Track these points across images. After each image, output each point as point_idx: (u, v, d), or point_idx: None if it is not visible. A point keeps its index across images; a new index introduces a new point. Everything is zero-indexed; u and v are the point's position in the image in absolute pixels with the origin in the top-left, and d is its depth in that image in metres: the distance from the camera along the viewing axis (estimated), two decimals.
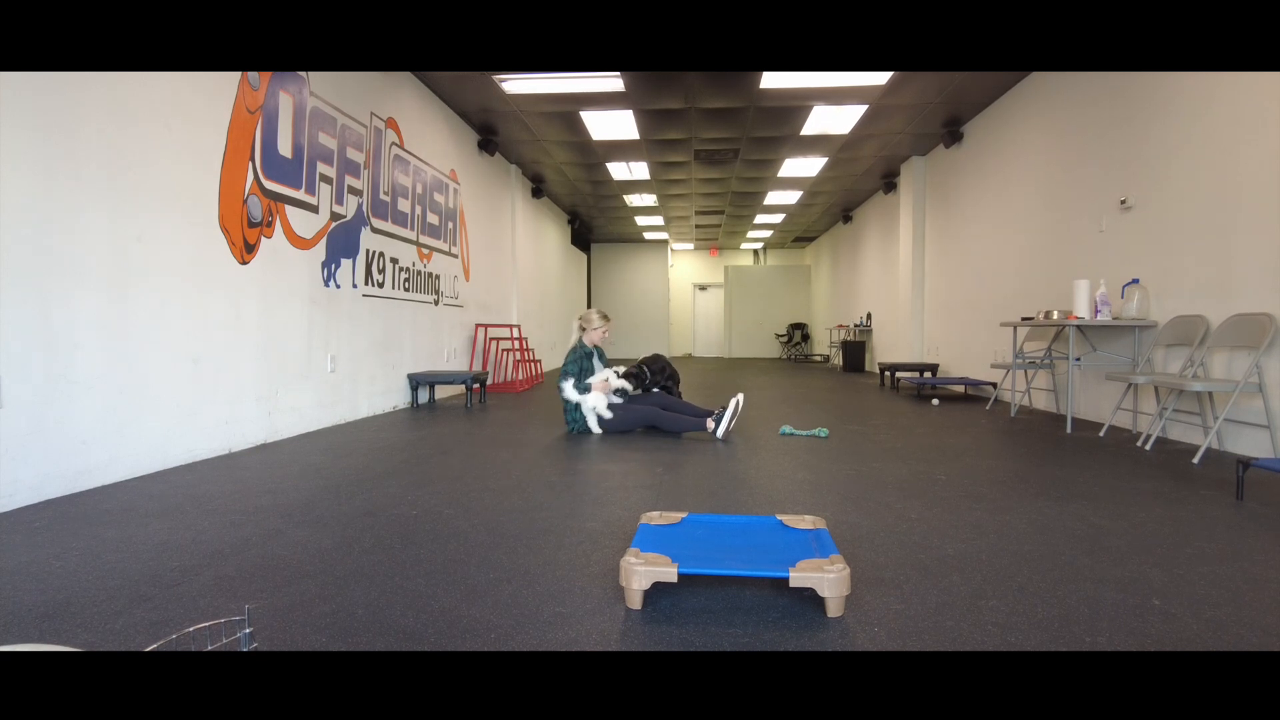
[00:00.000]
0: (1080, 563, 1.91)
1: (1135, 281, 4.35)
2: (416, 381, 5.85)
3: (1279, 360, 3.36)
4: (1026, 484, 2.87)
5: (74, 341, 2.72)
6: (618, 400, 4.34)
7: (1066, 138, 5.29)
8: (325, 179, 4.57)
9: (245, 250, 3.76)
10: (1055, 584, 1.75)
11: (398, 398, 5.70)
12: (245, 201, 3.74)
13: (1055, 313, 4.65)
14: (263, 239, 3.91)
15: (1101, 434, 4.24)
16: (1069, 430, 4.37)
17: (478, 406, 5.84)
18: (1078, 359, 4.71)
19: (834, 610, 1.54)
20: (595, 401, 4.20)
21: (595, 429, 4.24)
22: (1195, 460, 3.35)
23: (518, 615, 1.56)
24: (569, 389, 4.25)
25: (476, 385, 6.65)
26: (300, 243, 4.29)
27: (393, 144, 5.60)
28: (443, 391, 6.70)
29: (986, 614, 1.56)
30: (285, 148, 4.11)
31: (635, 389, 4.49)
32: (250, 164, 3.78)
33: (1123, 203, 4.55)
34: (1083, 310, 4.39)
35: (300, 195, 4.27)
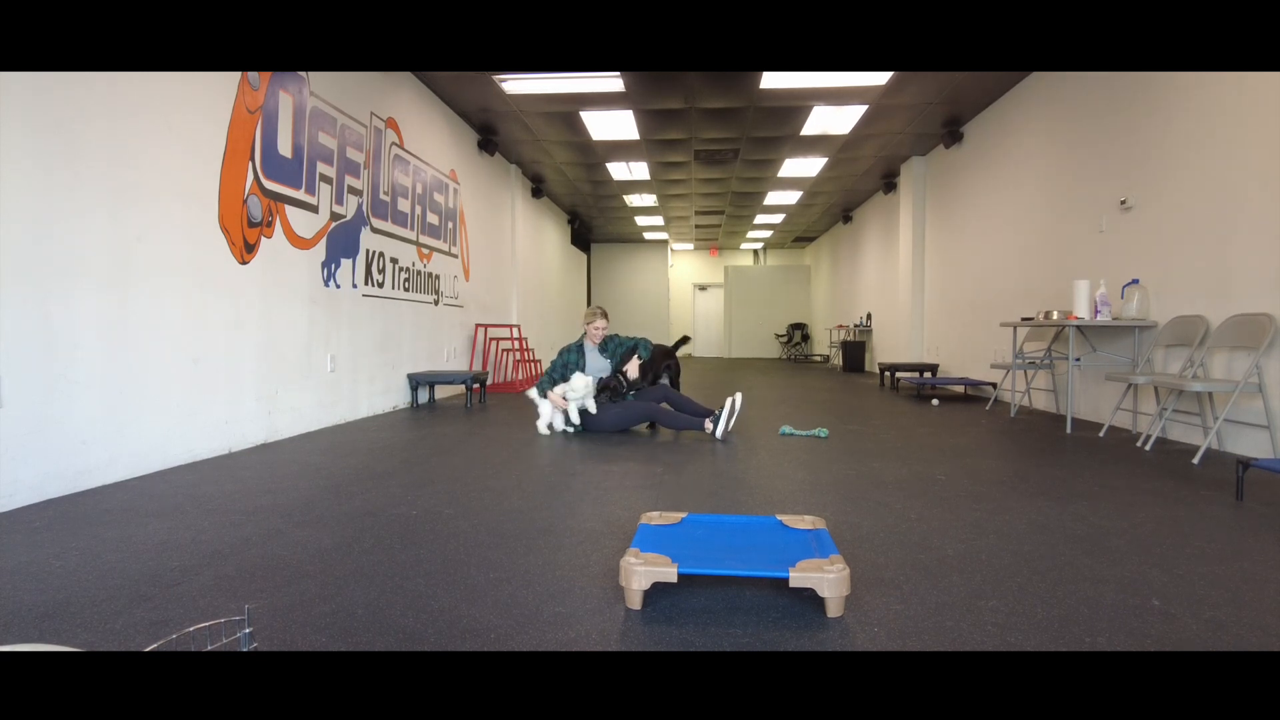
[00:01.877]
0: (1080, 563, 1.91)
1: (1135, 281, 4.35)
2: (416, 381, 5.85)
3: (1279, 360, 3.36)
4: (1026, 484, 2.87)
5: (74, 341, 2.72)
6: (585, 402, 4.31)
7: (1066, 138, 5.29)
8: (325, 179, 4.57)
9: (245, 250, 3.76)
10: (1055, 584, 1.75)
11: (397, 397, 5.70)
12: (245, 201, 3.74)
13: (1055, 313, 4.65)
14: (263, 239, 3.91)
15: (1101, 434, 4.24)
16: (1069, 430, 4.37)
17: (477, 406, 5.84)
18: (1077, 359, 4.71)
19: (834, 610, 1.54)
20: (544, 410, 4.30)
21: (560, 427, 4.32)
22: (1195, 460, 3.35)
23: (518, 615, 1.56)
24: (532, 390, 4.40)
25: (476, 385, 6.65)
26: (300, 243, 4.29)
27: (393, 144, 5.60)
28: (442, 391, 6.70)
29: (986, 614, 1.56)
30: (285, 148, 4.11)
31: (613, 394, 4.46)
32: (250, 164, 3.78)
33: (1123, 203, 4.55)
34: (1083, 310, 4.39)
35: (300, 195, 4.27)
